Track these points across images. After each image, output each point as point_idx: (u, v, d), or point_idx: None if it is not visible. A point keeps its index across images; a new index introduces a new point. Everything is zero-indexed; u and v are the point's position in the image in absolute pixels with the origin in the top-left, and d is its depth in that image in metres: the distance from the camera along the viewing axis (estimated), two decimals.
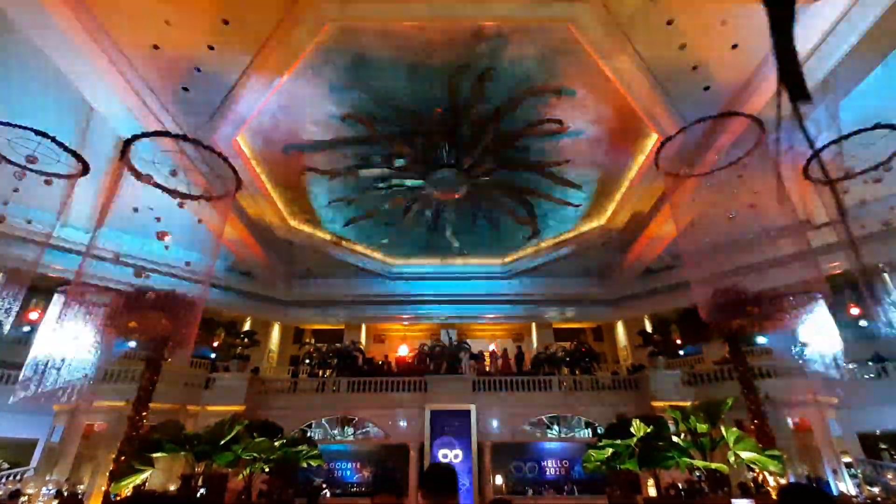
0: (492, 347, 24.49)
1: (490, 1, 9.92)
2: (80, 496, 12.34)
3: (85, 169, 10.88)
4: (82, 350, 11.37)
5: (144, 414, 12.68)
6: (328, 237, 20.04)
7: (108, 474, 12.06)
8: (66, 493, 13.00)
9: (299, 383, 20.37)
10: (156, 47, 10.72)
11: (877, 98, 11.62)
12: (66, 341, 11.15)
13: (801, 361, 12.09)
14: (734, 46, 10.77)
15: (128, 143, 10.71)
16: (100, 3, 9.56)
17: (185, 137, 11.20)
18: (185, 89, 11.87)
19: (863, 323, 18.40)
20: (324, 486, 17.79)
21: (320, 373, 21.50)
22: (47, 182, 10.56)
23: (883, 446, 16.28)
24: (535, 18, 10.21)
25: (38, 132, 9.66)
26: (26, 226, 12.80)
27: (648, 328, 23.21)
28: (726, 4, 9.81)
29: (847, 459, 15.26)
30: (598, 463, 13.69)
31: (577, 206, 17.67)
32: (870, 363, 16.99)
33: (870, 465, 15.54)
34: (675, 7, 9.94)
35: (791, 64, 0.86)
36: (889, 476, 14.86)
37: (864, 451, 16.21)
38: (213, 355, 21.65)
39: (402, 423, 18.74)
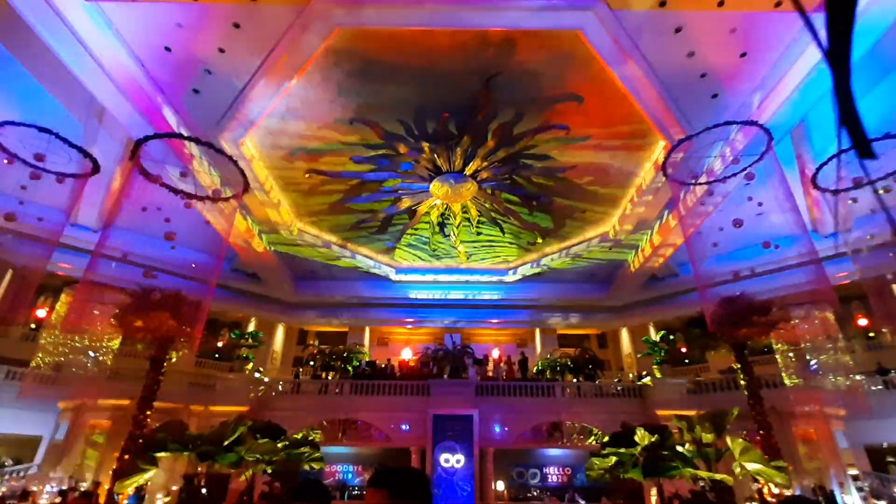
0: (496, 353, 24.43)
1: (499, 9, 9.96)
2: (92, 496, 12.30)
3: (95, 168, 10.99)
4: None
5: (148, 413, 12.74)
6: (333, 239, 20.10)
7: (111, 472, 12.11)
8: (77, 491, 13.01)
9: (302, 385, 20.39)
10: (167, 49, 10.84)
11: (887, 107, 11.57)
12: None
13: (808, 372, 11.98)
14: (743, 55, 10.77)
15: (138, 143, 10.81)
16: (113, 4, 9.69)
17: (195, 139, 11.30)
18: (196, 91, 11.98)
19: (871, 334, 18.23)
20: (337, 494, 18.01)
21: (323, 375, 21.52)
22: (59, 181, 10.66)
23: (890, 459, 16.05)
24: (544, 27, 10.24)
25: (41, 129, 9.75)
26: (37, 224, 12.92)
27: (654, 336, 23.07)
28: (735, 13, 9.80)
29: (854, 472, 15.06)
30: (602, 471, 13.59)
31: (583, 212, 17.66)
32: (877, 375, 16.80)
33: (876, 479, 15.33)
34: (683, 15, 9.94)
35: (855, 123, 0.86)
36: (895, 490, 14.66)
37: (871, 464, 15.99)
38: (217, 355, 21.74)
39: (405, 427, 18.70)
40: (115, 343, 13.75)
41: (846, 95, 0.86)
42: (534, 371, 22.38)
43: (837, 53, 0.83)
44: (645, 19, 10.03)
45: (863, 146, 0.88)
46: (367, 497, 1.65)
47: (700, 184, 12.95)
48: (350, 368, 21.40)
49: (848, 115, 0.86)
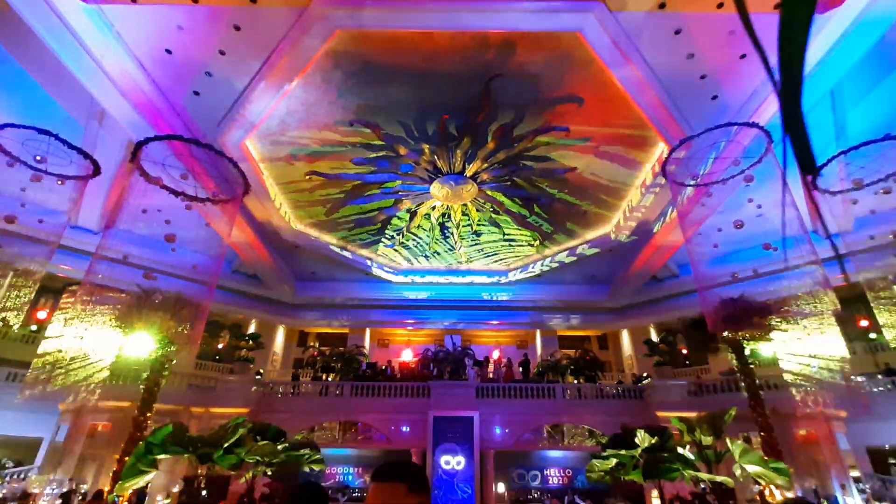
0: (496, 354, 24.43)
1: (499, 11, 9.98)
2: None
3: (96, 170, 11.02)
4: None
5: (149, 415, 12.73)
6: (334, 241, 20.13)
7: (111, 474, 12.10)
8: (79, 493, 13.00)
9: (303, 387, 20.36)
10: (168, 52, 10.87)
11: (887, 108, 11.57)
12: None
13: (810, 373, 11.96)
14: (742, 56, 10.77)
15: (139, 145, 10.84)
16: (114, 7, 9.73)
17: (196, 142, 11.32)
18: (196, 93, 12.02)
19: (872, 335, 18.20)
20: (340, 496, 18.07)
21: (324, 377, 21.51)
22: (60, 183, 10.70)
23: (892, 461, 16.01)
24: (544, 29, 10.27)
25: (41, 130, 9.78)
26: (37, 226, 12.95)
27: (654, 337, 23.06)
28: (734, 14, 9.80)
29: (855, 474, 15.03)
30: (602, 473, 13.56)
31: (585, 211, 17.68)
32: (879, 376, 16.76)
33: (878, 481, 15.29)
34: (683, 17, 9.96)
35: (800, 137, 0.85)
36: None
37: (873, 466, 15.95)
38: (217, 357, 21.76)
39: (405, 429, 18.68)
40: (122, 338, 13.75)
41: (795, 105, 0.85)
42: (534, 372, 22.36)
43: (788, 65, 0.83)
44: (644, 21, 10.05)
45: (806, 159, 0.87)
46: (379, 491, 1.52)
47: (700, 185, 12.95)
48: (351, 370, 21.37)
49: (793, 125, 0.86)
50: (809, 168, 0.86)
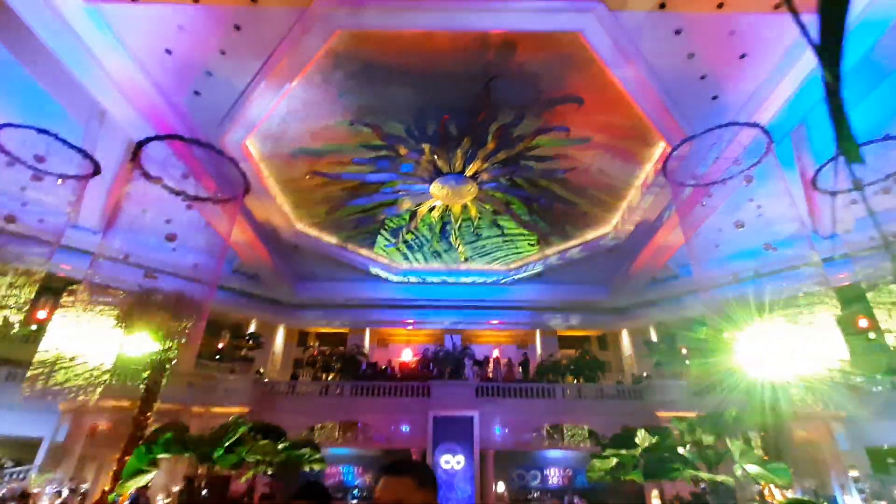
0: (496, 354, 24.43)
1: (499, 11, 9.99)
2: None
3: (96, 170, 11.02)
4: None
5: (149, 414, 12.74)
6: (334, 240, 20.12)
7: (111, 474, 12.10)
8: (79, 493, 12.99)
9: (303, 386, 20.38)
10: (168, 52, 10.87)
11: (887, 109, 11.57)
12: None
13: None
14: (742, 56, 10.78)
15: (139, 145, 10.84)
16: (114, 7, 9.72)
17: (196, 141, 11.32)
18: (197, 93, 12.02)
19: (872, 335, 18.19)
20: (348, 497, 18.16)
21: (324, 376, 21.52)
22: (60, 182, 10.70)
23: (892, 461, 16.03)
24: (544, 29, 10.27)
25: (42, 130, 9.77)
26: (38, 225, 12.94)
27: (654, 337, 23.05)
28: (734, 15, 9.82)
29: (855, 474, 15.04)
30: (602, 473, 13.56)
31: (584, 213, 17.68)
32: (878, 377, 16.76)
33: (877, 481, 15.30)
34: (683, 17, 9.96)
35: (845, 130, 0.86)
36: None
37: (872, 466, 15.96)
38: (217, 357, 21.76)
39: (405, 429, 18.69)
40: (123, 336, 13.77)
41: (837, 100, 0.86)
42: (534, 372, 22.36)
43: (829, 58, 0.83)
44: (645, 21, 10.05)
45: (851, 150, 0.88)
46: (390, 485, 1.57)
47: (700, 185, 12.94)
48: (350, 370, 21.39)
49: (838, 119, 0.86)
50: (854, 155, 0.86)
